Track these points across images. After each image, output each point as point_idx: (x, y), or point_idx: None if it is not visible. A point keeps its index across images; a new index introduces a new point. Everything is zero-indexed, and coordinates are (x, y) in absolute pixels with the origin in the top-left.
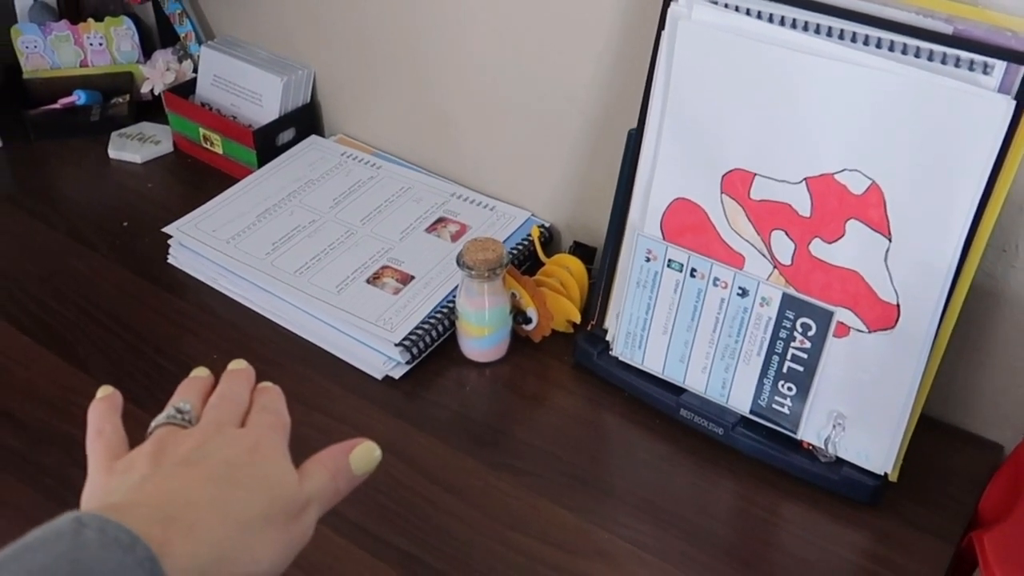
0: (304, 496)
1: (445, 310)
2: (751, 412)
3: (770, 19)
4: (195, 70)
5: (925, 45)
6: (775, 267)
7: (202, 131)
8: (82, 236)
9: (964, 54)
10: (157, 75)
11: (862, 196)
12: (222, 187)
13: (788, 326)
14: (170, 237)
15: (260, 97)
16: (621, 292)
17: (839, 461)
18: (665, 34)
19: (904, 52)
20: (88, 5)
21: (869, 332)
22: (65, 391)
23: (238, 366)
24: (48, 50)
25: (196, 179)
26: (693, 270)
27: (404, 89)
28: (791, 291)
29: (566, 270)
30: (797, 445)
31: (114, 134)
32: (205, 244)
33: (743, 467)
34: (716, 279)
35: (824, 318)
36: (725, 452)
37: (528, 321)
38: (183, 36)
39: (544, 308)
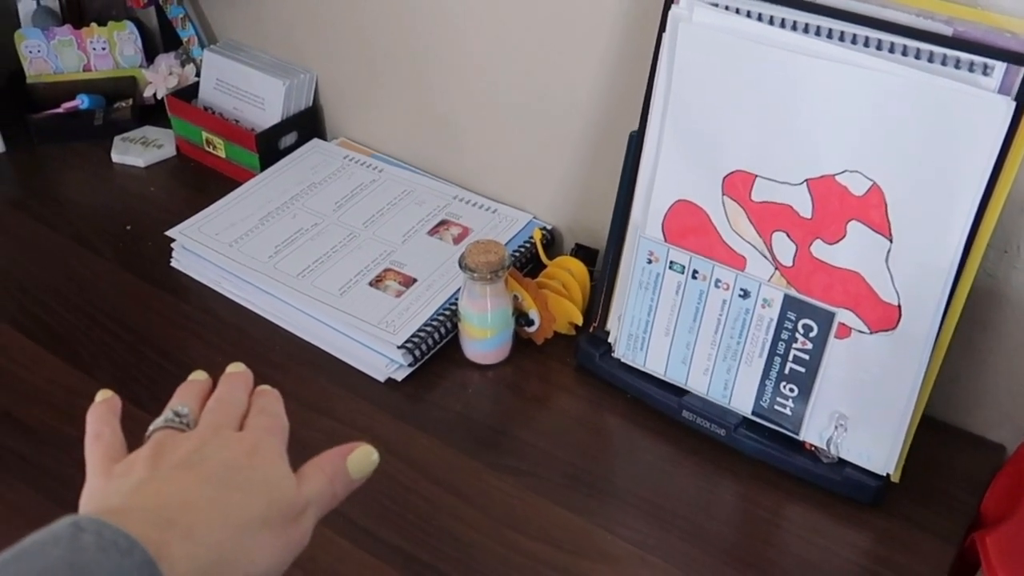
0: (302, 499)
1: (447, 312)
2: (753, 413)
3: (771, 21)
4: (198, 74)
5: (925, 47)
6: (776, 268)
7: (205, 135)
8: (85, 240)
9: (964, 55)
10: (160, 79)
11: (863, 197)
12: (225, 191)
13: (790, 327)
14: (173, 240)
15: (262, 101)
16: (623, 294)
17: (841, 462)
18: (666, 36)
19: (904, 54)
20: (91, 9)
21: (870, 333)
22: (68, 394)
23: (236, 369)
24: (51, 55)
25: (199, 183)
26: (695, 272)
27: (406, 92)
28: (793, 292)
29: (568, 272)
30: (799, 446)
31: (117, 138)
32: (208, 247)
33: (745, 468)
34: (718, 281)
35: (826, 319)
36: (727, 453)
37: (530, 323)
38: (186, 40)
39: (546, 310)
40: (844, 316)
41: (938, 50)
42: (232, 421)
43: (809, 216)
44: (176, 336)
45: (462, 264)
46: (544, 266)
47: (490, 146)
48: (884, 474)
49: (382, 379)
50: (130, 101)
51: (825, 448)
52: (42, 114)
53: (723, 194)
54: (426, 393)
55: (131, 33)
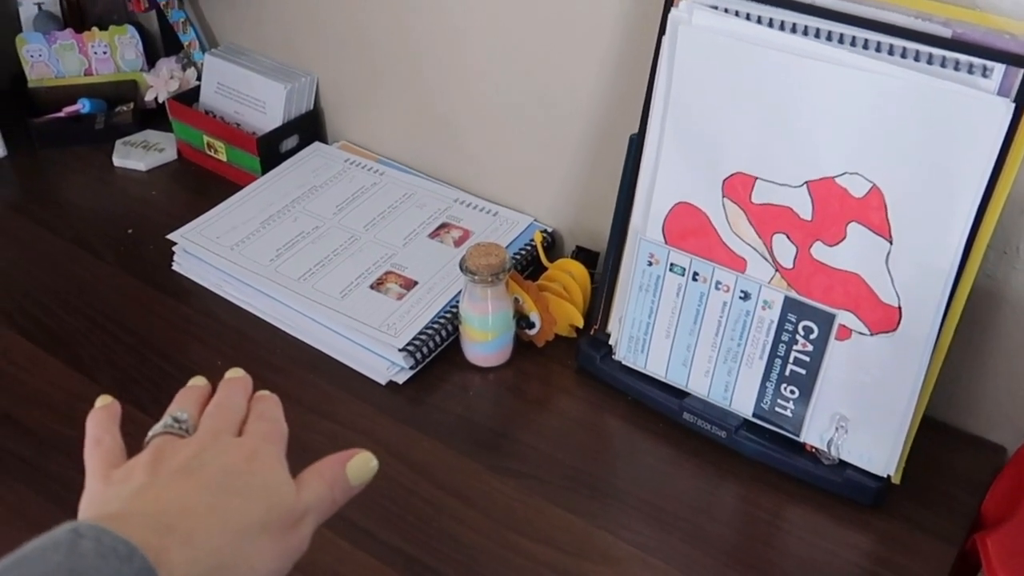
0: (301, 505)
1: (448, 315)
2: (754, 415)
3: (770, 24)
4: (199, 78)
5: (924, 48)
6: (777, 270)
7: (206, 138)
8: (87, 243)
9: (963, 57)
10: (161, 83)
11: (863, 199)
12: (226, 194)
13: (790, 329)
14: (174, 244)
15: (264, 104)
16: (624, 296)
17: (842, 463)
18: (666, 39)
19: (903, 56)
20: (92, 14)
21: (871, 335)
22: (70, 397)
23: (235, 375)
24: (53, 59)
25: (200, 186)
26: (695, 274)
27: (407, 95)
28: (793, 294)
29: (569, 275)
30: (800, 448)
31: (118, 142)
32: (209, 251)
33: (746, 470)
34: (718, 283)
35: (826, 321)
36: (728, 455)
37: (531, 326)
38: (187, 44)
39: (547, 313)
40: (844, 318)
41: (937, 52)
42: (231, 427)
43: (809, 218)
44: (177, 339)
45: (463, 267)
46: (545, 268)
47: (491, 149)
48: (885, 475)
49: (383, 382)
50: (131, 105)
51: (826, 450)
52: (43, 118)
53: (723, 196)
54: (427, 396)
55: (132, 37)
